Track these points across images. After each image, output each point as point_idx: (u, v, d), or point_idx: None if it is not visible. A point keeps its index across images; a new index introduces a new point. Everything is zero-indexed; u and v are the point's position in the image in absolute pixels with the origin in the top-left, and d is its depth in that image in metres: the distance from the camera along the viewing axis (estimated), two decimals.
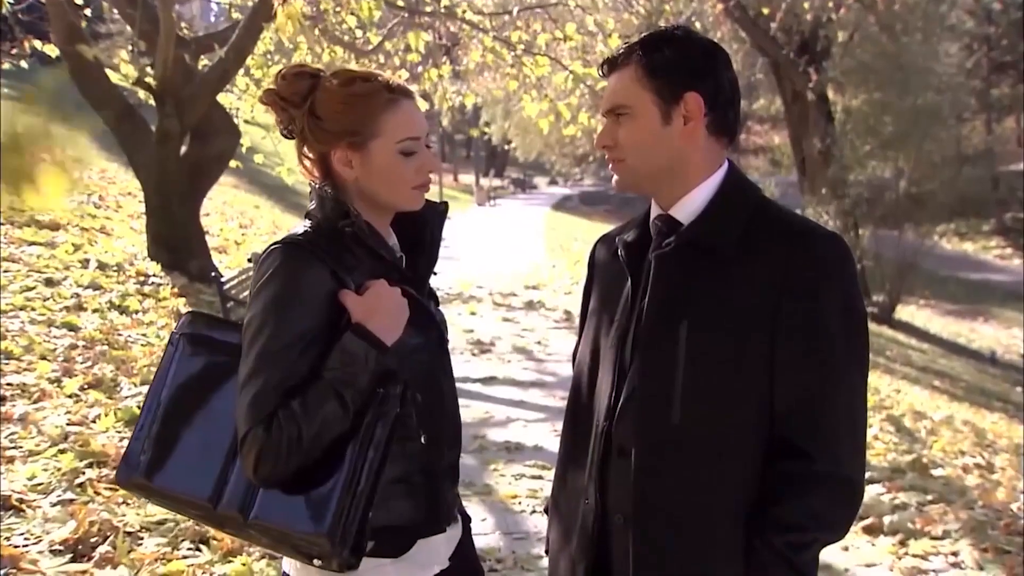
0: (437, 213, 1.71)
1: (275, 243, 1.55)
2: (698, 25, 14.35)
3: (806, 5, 13.72)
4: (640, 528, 1.51)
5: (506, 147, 42.23)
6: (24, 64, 7.35)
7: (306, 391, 1.45)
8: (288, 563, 1.63)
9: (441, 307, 1.77)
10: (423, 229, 1.70)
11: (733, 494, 1.48)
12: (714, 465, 1.48)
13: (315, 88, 1.59)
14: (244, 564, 3.26)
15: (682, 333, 1.48)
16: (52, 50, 7.31)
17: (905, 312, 19.13)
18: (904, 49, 18.70)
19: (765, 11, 14.50)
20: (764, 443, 1.48)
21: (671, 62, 1.53)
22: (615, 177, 1.60)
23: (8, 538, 3.17)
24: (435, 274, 1.77)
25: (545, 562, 1.74)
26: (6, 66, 7.58)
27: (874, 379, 9.66)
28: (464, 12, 8.67)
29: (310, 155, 1.63)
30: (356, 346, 1.48)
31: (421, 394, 1.57)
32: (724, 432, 1.47)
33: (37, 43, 7.26)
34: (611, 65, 1.58)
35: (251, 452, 1.44)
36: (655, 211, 1.61)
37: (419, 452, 1.58)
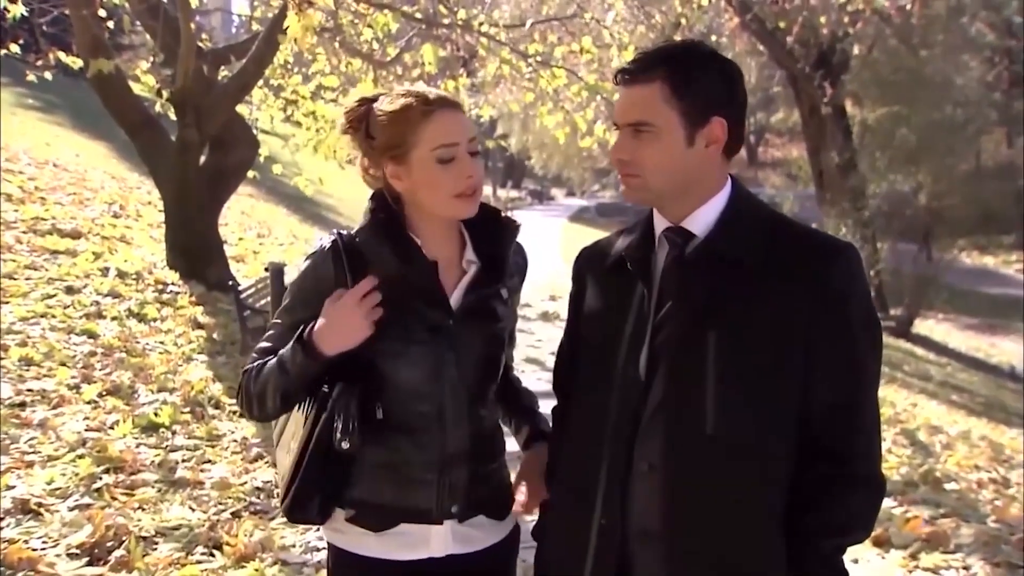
0: (508, 230, 1.81)
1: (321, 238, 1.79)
2: (714, 38, 14.34)
3: (823, 19, 13.69)
4: (674, 542, 1.49)
5: (527, 161, 42.28)
6: (48, 76, 7.46)
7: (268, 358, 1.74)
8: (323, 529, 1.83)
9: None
10: (496, 244, 1.80)
11: (766, 499, 1.49)
12: (747, 472, 1.48)
13: (369, 112, 1.73)
14: (257, 569, 3.29)
15: (711, 343, 1.47)
16: (76, 62, 7.41)
17: (924, 326, 18.99)
18: (924, 62, 18.63)
19: (782, 24, 14.50)
20: (794, 447, 1.49)
21: (701, 85, 1.49)
22: (624, 188, 1.58)
23: (26, 541, 3.22)
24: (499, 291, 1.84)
25: None
26: (31, 78, 7.70)
27: (890, 393, 9.59)
28: (481, 25, 8.73)
29: (375, 173, 1.77)
30: (288, 342, 1.68)
31: (406, 400, 1.70)
32: (757, 439, 1.47)
33: (61, 55, 7.35)
34: (631, 76, 1.52)
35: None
36: (662, 223, 1.59)
37: (406, 447, 1.72)
